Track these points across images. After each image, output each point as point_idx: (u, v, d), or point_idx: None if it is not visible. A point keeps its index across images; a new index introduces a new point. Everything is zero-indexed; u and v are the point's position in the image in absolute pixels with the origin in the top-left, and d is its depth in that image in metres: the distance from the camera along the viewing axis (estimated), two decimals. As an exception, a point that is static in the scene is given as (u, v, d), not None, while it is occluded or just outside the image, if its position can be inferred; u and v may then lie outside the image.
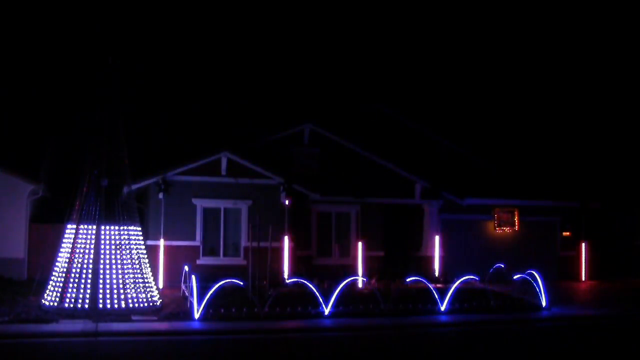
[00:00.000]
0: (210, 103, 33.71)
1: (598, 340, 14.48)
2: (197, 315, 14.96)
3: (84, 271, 15.37)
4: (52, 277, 15.71)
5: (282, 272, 21.69)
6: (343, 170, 24.39)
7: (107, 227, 15.62)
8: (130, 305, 15.33)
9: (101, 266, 15.37)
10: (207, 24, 43.41)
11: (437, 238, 24.68)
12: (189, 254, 21.52)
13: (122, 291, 15.37)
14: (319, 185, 23.37)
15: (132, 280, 15.61)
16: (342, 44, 45.54)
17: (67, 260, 15.59)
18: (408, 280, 17.88)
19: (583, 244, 26.28)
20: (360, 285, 21.18)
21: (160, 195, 21.21)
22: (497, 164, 28.73)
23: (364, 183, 24.15)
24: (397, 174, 24.75)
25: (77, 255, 15.57)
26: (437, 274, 24.10)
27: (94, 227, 15.53)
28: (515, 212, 26.08)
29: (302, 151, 24.36)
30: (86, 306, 14.99)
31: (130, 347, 12.65)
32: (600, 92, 37.19)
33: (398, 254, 24.58)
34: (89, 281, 15.23)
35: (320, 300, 15.97)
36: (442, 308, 16.74)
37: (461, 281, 17.33)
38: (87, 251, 15.55)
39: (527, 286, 18.12)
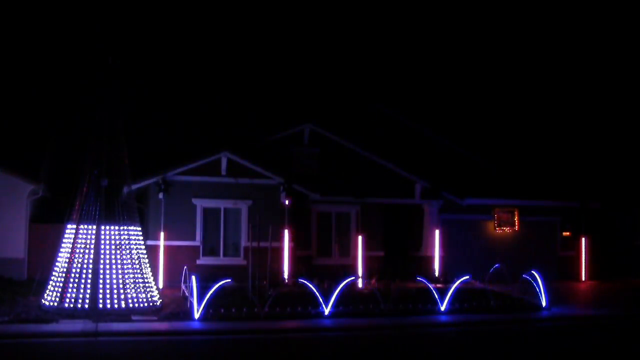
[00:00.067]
0: (210, 103, 33.71)
1: (598, 340, 14.49)
2: (197, 315, 14.96)
3: (84, 271, 15.38)
4: (52, 277, 15.71)
5: (282, 272, 21.70)
6: (343, 170, 24.39)
7: (107, 227, 15.62)
8: (130, 305, 15.33)
9: (101, 266, 15.37)
10: (207, 24, 43.41)
11: (437, 238, 24.68)
12: (189, 254, 21.53)
13: (122, 291, 15.37)
14: (319, 185, 23.38)
15: (132, 280, 15.61)
16: (342, 44, 45.55)
17: (67, 260, 15.59)
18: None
19: (583, 244, 26.28)
20: (360, 285, 21.20)
21: (160, 195, 21.21)
22: (497, 164, 28.73)
23: (364, 183, 24.14)
24: (397, 174, 24.75)
25: (77, 255, 15.57)
26: (437, 274, 24.10)
27: (94, 227, 15.53)
28: (515, 212, 26.08)
29: (302, 151, 24.36)
30: (86, 306, 14.99)
31: (130, 347, 12.65)
32: (600, 92, 37.20)
33: (398, 254, 24.58)
34: (89, 281, 15.23)
35: (320, 300, 15.97)
36: (442, 308, 16.74)
37: (460, 281, 17.33)
38: (87, 251, 15.55)
39: (527, 286, 18.11)
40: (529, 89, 38.16)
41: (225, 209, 22.33)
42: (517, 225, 26.04)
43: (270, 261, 19.79)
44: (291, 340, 13.88)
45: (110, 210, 15.66)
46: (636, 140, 33.34)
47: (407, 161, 25.33)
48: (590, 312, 17.91)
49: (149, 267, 16.53)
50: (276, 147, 24.00)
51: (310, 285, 16.41)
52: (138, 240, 16.28)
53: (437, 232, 24.71)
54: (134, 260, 15.88)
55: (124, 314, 15.00)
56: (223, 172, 22.11)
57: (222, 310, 15.41)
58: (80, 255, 15.55)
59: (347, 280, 16.87)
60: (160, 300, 16.36)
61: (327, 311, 15.87)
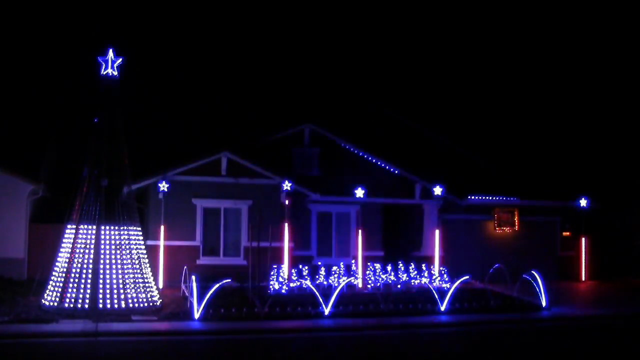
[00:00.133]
0: (210, 103, 33.72)
1: (598, 340, 14.48)
2: (197, 315, 14.96)
3: (84, 271, 15.38)
4: (52, 277, 15.71)
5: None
6: (343, 170, 24.38)
7: (107, 228, 15.62)
8: (130, 305, 15.33)
9: (101, 266, 15.37)
10: (207, 24, 43.42)
11: (437, 238, 24.66)
12: (189, 254, 21.52)
13: (122, 291, 15.38)
14: (319, 185, 23.39)
15: (132, 280, 15.61)
16: (343, 44, 45.56)
17: (67, 260, 15.59)
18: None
19: (583, 244, 26.27)
20: (360, 285, 21.21)
21: (160, 195, 21.20)
22: (497, 164, 28.72)
23: (364, 183, 24.13)
24: (397, 174, 24.75)
25: (77, 255, 15.57)
26: (437, 274, 24.06)
27: (94, 227, 15.53)
28: (515, 212, 26.07)
29: (302, 151, 24.37)
30: (86, 306, 14.99)
31: (130, 347, 12.65)
32: (600, 92, 37.20)
33: (398, 253, 24.56)
34: (89, 281, 15.24)
35: (320, 300, 15.97)
36: (442, 308, 16.74)
37: (460, 281, 17.33)
38: (87, 251, 15.55)
39: (527, 286, 18.11)
40: (529, 89, 38.18)
41: (225, 209, 22.33)
42: (517, 225, 26.03)
43: (270, 261, 19.78)
44: (291, 340, 13.88)
45: (110, 210, 15.66)
46: (636, 140, 33.35)
47: (407, 161, 25.33)
48: (590, 312, 17.90)
49: (149, 267, 16.53)
50: (276, 147, 24.01)
51: (310, 286, 16.41)
52: (138, 240, 16.28)
53: (437, 232, 24.68)
54: (134, 260, 15.88)
55: (124, 314, 15.00)
56: (223, 172, 22.11)
57: (222, 310, 15.41)
58: (80, 255, 15.55)
59: (347, 280, 16.87)
60: (160, 300, 16.36)
61: (327, 311, 15.87)
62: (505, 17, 43.80)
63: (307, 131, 24.37)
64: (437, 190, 24.22)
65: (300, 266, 21.16)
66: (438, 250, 24.52)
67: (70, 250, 15.65)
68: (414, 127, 28.73)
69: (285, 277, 21.45)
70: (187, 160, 21.87)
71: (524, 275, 18.10)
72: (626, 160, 31.80)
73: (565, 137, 33.50)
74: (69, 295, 15.19)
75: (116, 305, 15.18)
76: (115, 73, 16.25)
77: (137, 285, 15.69)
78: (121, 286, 15.41)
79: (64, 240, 15.98)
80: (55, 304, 15.17)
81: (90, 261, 15.37)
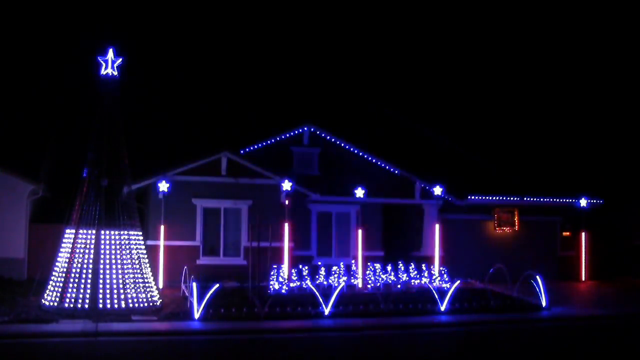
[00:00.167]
0: (210, 103, 33.73)
1: (598, 340, 14.48)
2: (197, 315, 14.96)
3: (84, 271, 15.37)
4: (52, 277, 15.70)
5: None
6: (343, 170, 24.39)
7: (107, 232, 15.61)
8: (130, 305, 15.33)
9: (101, 266, 15.37)
10: (208, 24, 43.42)
11: (437, 238, 24.66)
12: (189, 254, 21.52)
13: (122, 291, 15.37)
14: (319, 185, 23.39)
15: (132, 280, 15.61)
16: (343, 44, 45.55)
17: (67, 260, 15.58)
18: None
19: (583, 244, 26.27)
20: (360, 285, 21.21)
21: (160, 195, 21.19)
22: (497, 163, 28.74)
23: (364, 183, 24.13)
24: (397, 173, 24.76)
25: (77, 256, 15.56)
26: (437, 274, 24.06)
27: (94, 231, 15.51)
28: (515, 212, 26.07)
29: (301, 151, 24.37)
30: (86, 306, 14.99)
31: (130, 347, 12.65)
32: (600, 92, 37.20)
33: (398, 253, 24.55)
34: (89, 281, 15.23)
35: (320, 300, 15.97)
36: (442, 308, 16.73)
37: (460, 281, 17.34)
38: (87, 251, 15.54)
39: (527, 286, 18.11)
40: (529, 89, 38.18)
41: (225, 209, 22.32)
42: (517, 225, 26.03)
43: (270, 261, 19.79)
44: (291, 340, 13.87)
45: (111, 210, 15.65)
46: (636, 140, 33.35)
47: (407, 161, 25.34)
48: (590, 312, 17.90)
49: (149, 267, 16.53)
50: (276, 147, 24.02)
51: (311, 286, 16.41)
52: (138, 240, 16.27)
53: (437, 232, 24.68)
54: (134, 260, 15.88)
55: (124, 314, 15.00)
56: (223, 172, 22.11)
57: (222, 310, 15.40)
58: (80, 256, 15.54)
59: (347, 280, 16.87)
60: (160, 300, 16.35)
61: (327, 311, 15.86)
62: (505, 16, 43.80)
63: (307, 131, 24.38)
64: (437, 190, 24.22)
65: (300, 266, 21.16)
66: (438, 250, 24.52)
67: (70, 251, 15.64)
68: (414, 127, 28.73)
69: (285, 277, 21.46)
70: (187, 160, 21.88)
71: (524, 275, 18.11)
72: (626, 160, 31.81)
73: (565, 137, 33.51)
74: (69, 295, 15.18)
75: (116, 305, 15.17)
76: (115, 73, 16.24)
77: (137, 285, 15.69)
78: (121, 286, 15.40)
79: (64, 241, 15.97)
80: (55, 304, 15.17)
81: (90, 261, 15.36)
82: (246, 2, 43.12)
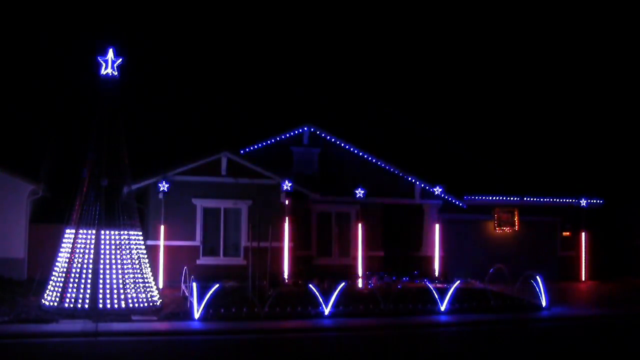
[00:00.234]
0: (210, 103, 33.74)
1: (598, 340, 14.49)
2: (197, 315, 14.96)
3: (84, 271, 15.37)
4: (52, 277, 15.70)
5: (282, 272, 21.69)
6: (343, 170, 24.39)
7: (107, 232, 15.61)
8: (130, 305, 15.33)
9: (101, 266, 15.36)
10: (208, 24, 43.42)
11: (437, 238, 24.68)
12: (189, 254, 21.52)
13: (122, 291, 15.36)
14: (319, 185, 23.39)
15: (132, 280, 15.60)
16: (343, 44, 45.55)
17: (67, 260, 15.58)
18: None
19: (583, 244, 26.28)
20: (360, 285, 21.21)
21: (160, 195, 21.20)
22: (497, 163, 28.75)
23: (364, 183, 24.14)
24: (397, 174, 24.76)
25: (77, 256, 15.56)
26: (437, 274, 24.10)
27: (94, 231, 15.51)
28: (515, 212, 26.08)
29: (301, 151, 24.37)
30: (86, 306, 14.98)
31: (130, 347, 12.65)
32: (600, 91, 37.20)
33: (398, 254, 24.57)
34: (89, 281, 15.22)
35: (320, 300, 15.96)
36: (442, 308, 16.73)
37: (460, 282, 17.33)
38: (87, 251, 15.54)
39: (527, 286, 18.11)
40: (529, 89, 38.18)
41: (225, 209, 22.32)
42: (517, 225, 26.03)
43: (270, 261, 19.78)
44: (291, 340, 13.88)
45: (110, 210, 15.64)
46: (636, 140, 33.35)
47: (407, 161, 25.34)
48: (590, 312, 17.91)
49: (149, 267, 16.52)
50: (276, 147, 24.01)
51: (310, 285, 16.41)
52: (138, 240, 16.27)
53: (437, 232, 24.71)
54: (134, 260, 15.88)
55: (124, 314, 14.99)
56: (223, 172, 22.11)
57: (222, 310, 15.40)
58: (80, 256, 15.54)
59: (346, 281, 16.86)
60: (160, 300, 16.35)
61: (327, 311, 15.86)
62: (506, 15, 43.81)
63: (307, 131, 24.38)
64: (437, 190, 24.22)
65: (301, 266, 21.18)
66: (438, 250, 24.55)
67: (70, 251, 15.64)
68: (414, 127, 28.74)
69: (286, 277, 21.48)
70: (187, 160, 21.87)
71: (524, 275, 18.10)
72: (626, 160, 31.81)
73: (565, 137, 33.51)
74: (69, 295, 15.18)
75: (116, 305, 15.17)
76: (115, 73, 16.24)
77: (137, 285, 15.68)
78: (121, 286, 15.39)
79: (64, 241, 15.97)
80: (55, 304, 15.17)
81: (90, 261, 15.36)
82: (246, 2, 43.13)
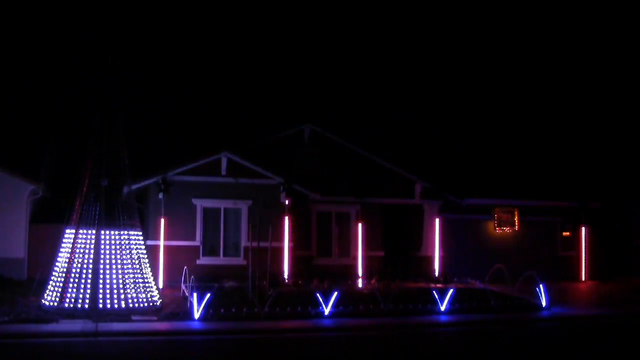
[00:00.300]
0: (210, 103, 33.74)
1: (598, 340, 14.49)
2: (197, 315, 14.96)
3: (84, 271, 15.37)
4: (52, 277, 15.70)
5: (282, 272, 21.69)
6: (343, 170, 24.39)
7: (107, 232, 15.61)
8: (130, 305, 15.33)
9: (101, 266, 15.37)
10: (208, 24, 43.42)
11: (437, 238, 24.68)
12: (189, 254, 21.51)
13: (122, 291, 15.36)
14: (319, 185, 23.38)
15: (132, 280, 15.61)
16: (342, 44, 45.55)
17: (67, 260, 15.58)
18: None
19: (583, 244, 26.28)
20: (360, 285, 21.21)
21: (160, 195, 21.20)
22: (497, 164, 28.75)
23: (364, 183, 24.14)
24: (397, 173, 24.75)
25: (77, 256, 15.56)
26: (437, 274, 24.10)
27: (94, 231, 15.51)
28: (515, 212, 26.07)
29: (302, 151, 24.37)
30: (86, 306, 14.99)
31: (130, 347, 12.65)
32: (599, 92, 37.20)
33: (398, 254, 24.57)
34: (89, 281, 15.23)
35: (320, 300, 15.96)
36: (442, 308, 16.73)
37: (460, 282, 17.34)
38: (87, 251, 15.54)
39: (527, 286, 18.11)
40: (529, 89, 38.17)
41: (225, 209, 22.32)
42: (517, 225, 26.03)
43: (270, 261, 19.78)
44: (291, 340, 13.88)
45: (110, 210, 15.65)
46: (636, 141, 33.34)
47: (407, 161, 25.34)
48: (590, 312, 17.91)
49: (149, 267, 16.53)
50: (276, 147, 24.00)
51: (311, 285, 16.42)
52: (138, 240, 16.28)
53: (437, 232, 24.71)
54: (134, 261, 15.88)
55: (124, 314, 14.99)
56: (223, 172, 22.10)
57: (222, 310, 15.40)
58: (80, 256, 15.54)
59: (346, 281, 16.87)
60: (160, 300, 16.35)
61: (327, 311, 15.86)
62: (507, 14, 43.81)
63: (307, 131, 24.37)
64: (437, 190, 24.20)
65: (301, 266, 21.17)
66: (438, 250, 24.55)
67: (70, 251, 15.64)
68: (414, 127, 28.76)
69: (286, 277, 21.48)
70: (187, 160, 21.87)
71: (524, 275, 18.10)
72: (626, 160, 31.81)
73: (565, 137, 33.51)
74: (69, 295, 15.18)
75: (116, 305, 15.17)
76: (116, 73, 16.23)
77: (137, 285, 15.69)
78: (121, 286, 15.40)
79: (64, 241, 15.98)
80: (55, 304, 15.17)
81: (90, 261, 15.36)
82: (247, 2, 43.12)
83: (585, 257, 26.23)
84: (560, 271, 25.86)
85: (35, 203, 21.95)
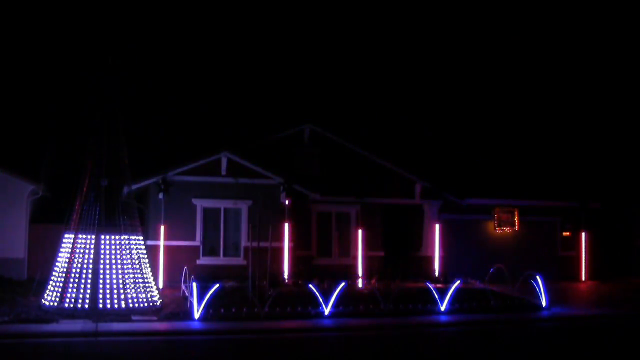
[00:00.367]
0: (210, 103, 33.73)
1: (598, 340, 14.49)
2: (197, 315, 14.96)
3: (84, 271, 15.37)
4: (52, 277, 15.71)
5: (282, 272, 21.69)
6: (343, 170, 24.39)
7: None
8: (130, 305, 15.33)
9: (101, 266, 15.37)
10: (208, 24, 43.42)
11: (437, 238, 24.67)
12: (189, 254, 21.52)
13: (122, 291, 15.36)
14: (319, 185, 23.37)
15: (132, 281, 15.61)
16: (342, 43, 45.53)
17: (67, 260, 15.58)
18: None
19: (583, 244, 26.28)
20: (360, 285, 21.21)
21: (160, 195, 21.20)
22: (497, 164, 28.74)
23: (364, 183, 24.14)
24: (397, 173, 24.75)
25: (77, 256, 15.56)
26: (437, 274, 24.10)
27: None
28: (515, 212, 26.07)
29: (302, 151, 24.36)
30: (86, 306, 14.99)
31: (130, 347, 12.65)
32: (599, 92, 37.19)
33: (398, 254, 24.57)
34: (89, 281, 15.23)
35: (320, 300, 15.96)
36: (442, 308, 16.73)
37: (459, 282, 17.32)
38: (87, 251, 15.54)
39: (527, 286, 18.11)
40: (529, 89, 38.17)
41: (225, 209, 22.32)
42: (517, 225, 26.03)
43: (270, 261, 19.80)
44: (291, 340, 13.88)
45: (110, 210, 15.64)
46: (636, 141, 33.35)
47: (407, 161, 25.34)
48: (590, 312, 17.91)
49: (149, 267, 16.53)
50: (276, 147, 24.00)
51: (310, 286, 16.40)
52: (138, 240, 16.27)
53: (437, 232, 24.70)
54: (134, 261, 15.88)
55: (124, 314, 15.00)
56: (223, 172, 22.10)
57: (222, 310, 15.40)
58: (80, 256, 15.54)
59: (346, 281, 16.85)
60: (160, 300, 16.35)
61: (327, 311, 15.86)
62: (507, 14, 43.81)
63: (307, 131, 24.36)
64: (437, 190, 24.19)
65: (301, 266, 21.15)
66: (438, 250, 24.55)
67: (70, 251, 15.64)
68: (414, 127, 28.75)
69: (286, 277, 21.47)
70: (187, 160, 21.87)
71: (524, 275, 18.11)
72: (626, 160, 31.81)
73: (565, 136, 33.51)
74: (69, 295, 15.18)
75: (116, 305, 15.17)
76: (116, 73, 16.24)
77: (137, 285, 15.69)
78: (121, 286, 15.40)
79: (64, 241, 15.97)
80: (55, 304, 15.17)
81: (90, 261, 15.36)
82: (247, 2, 43.12)
83: (585, 257, 26.23)
84: (560, 271, 25.87)
85: (35, 203, 21.95)
